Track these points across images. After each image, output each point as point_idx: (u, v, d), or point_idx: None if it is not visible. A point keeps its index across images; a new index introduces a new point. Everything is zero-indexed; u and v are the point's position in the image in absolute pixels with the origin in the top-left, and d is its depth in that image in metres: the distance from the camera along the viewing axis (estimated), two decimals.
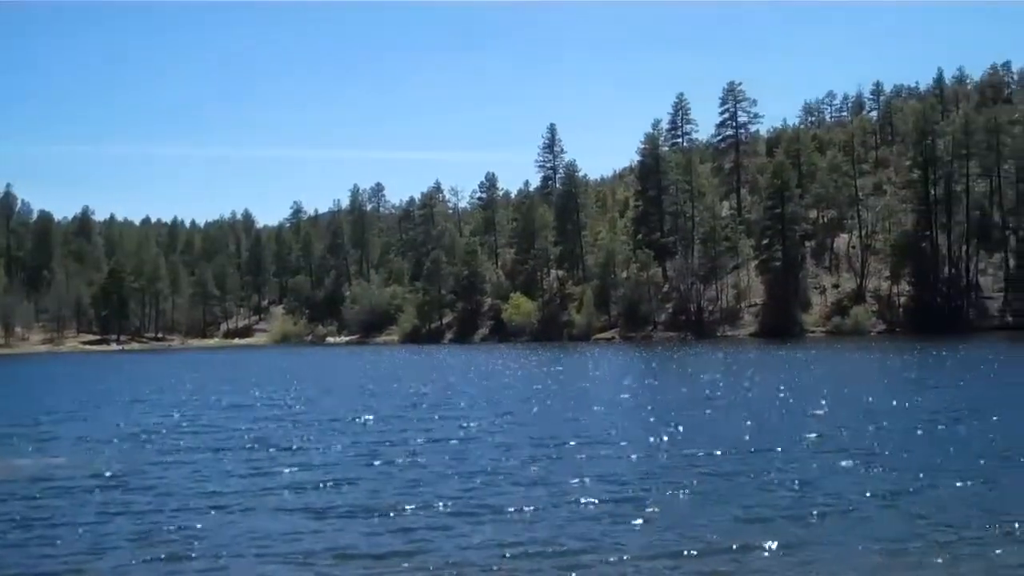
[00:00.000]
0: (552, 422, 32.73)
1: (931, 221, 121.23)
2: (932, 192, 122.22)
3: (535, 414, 35.82)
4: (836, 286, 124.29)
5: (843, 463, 22.57)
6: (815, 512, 17.44)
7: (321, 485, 21.36)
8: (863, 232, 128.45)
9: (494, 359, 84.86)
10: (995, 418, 30.11)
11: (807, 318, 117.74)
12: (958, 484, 19.71)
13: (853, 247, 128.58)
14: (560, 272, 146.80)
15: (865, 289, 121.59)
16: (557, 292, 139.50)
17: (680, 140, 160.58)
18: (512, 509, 18.21)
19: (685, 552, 14.97)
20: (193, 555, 15.48)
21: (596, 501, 18.68)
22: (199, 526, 17.43)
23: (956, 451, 24.22)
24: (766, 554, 14.85)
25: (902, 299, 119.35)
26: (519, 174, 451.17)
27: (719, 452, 24.48)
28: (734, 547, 15.19)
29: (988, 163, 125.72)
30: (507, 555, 15.03)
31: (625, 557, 14.77)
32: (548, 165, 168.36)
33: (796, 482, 20.43)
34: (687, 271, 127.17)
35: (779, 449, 25.03)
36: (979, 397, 37.34)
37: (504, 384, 53.09)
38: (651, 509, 17.91)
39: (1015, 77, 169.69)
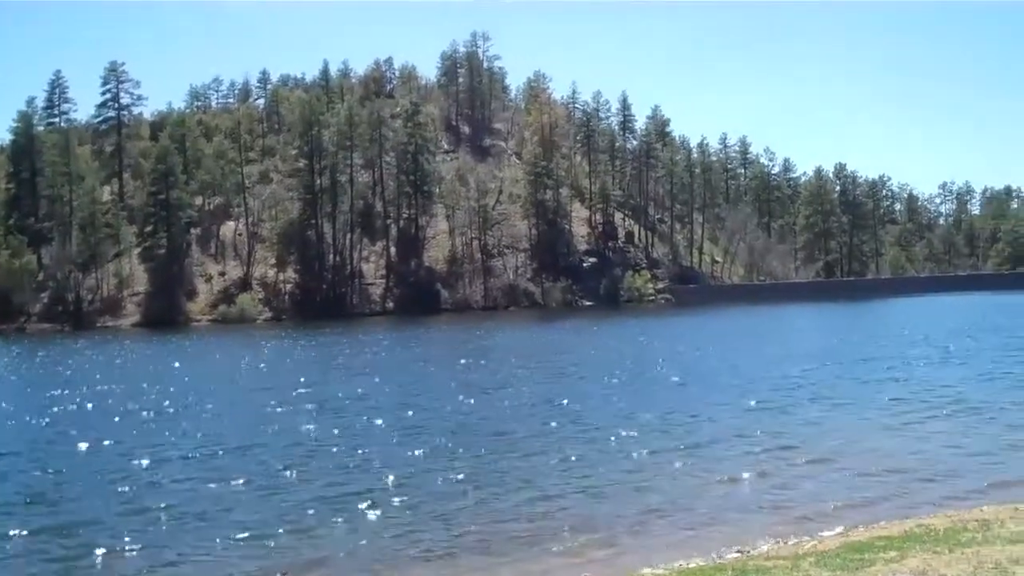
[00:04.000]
0: None
1: (316, 210, 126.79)
2: (318, 181, 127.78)
3: None
4: (223, 274, 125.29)
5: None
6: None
7: None
8: (250, 220, 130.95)
9: None
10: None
11: (193, 307, 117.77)
12: None
13: (240, 235, 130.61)
14: None
15: (252, 277, 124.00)
16: None
17: (57, 120, 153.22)
18: None
19: None
20: None
21: None
22: None
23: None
24: None
25: (288, 286, 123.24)
26: None
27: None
28: None
29: (371, 154, 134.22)
30: None
31: None
32: None
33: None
34: (64, 259, 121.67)
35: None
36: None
37: None
38: None
39: (396, 73, 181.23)
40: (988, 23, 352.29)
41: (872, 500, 16.50)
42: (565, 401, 29.96)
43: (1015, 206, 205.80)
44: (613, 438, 22.96)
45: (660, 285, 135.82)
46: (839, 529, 14.44)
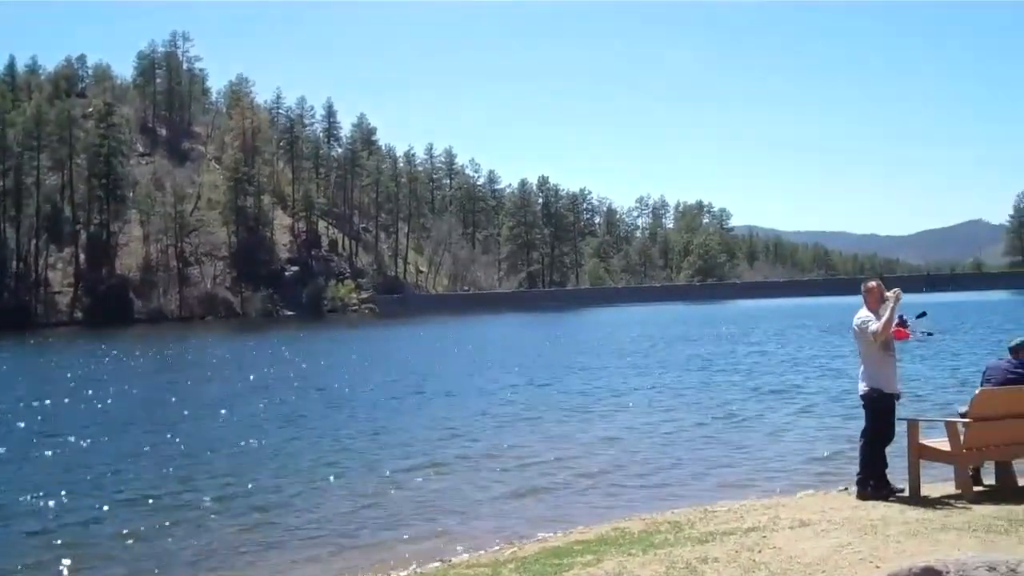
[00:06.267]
0: None
1: (0, 214, 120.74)
2: (1, 183, 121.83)
3: None
4: None
5: None
6: None
7: None
8: None
9: None
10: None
11: None
12: None
13: None
14: None
15: None
16: None
17: None
18: None
19: None
20: None
21: None
22: None
23: None
24: None
25: None
26: None
27: None
28: None
29: (61, 156, 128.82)
30: None
31: None
32: None
33: None
34: None
35: None
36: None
37: None
38: None
39: (89, 71, 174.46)
40: (684, 37, 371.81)
41: (576, 508, 16.91)
42: (274, 418, 29.37)
43: (706, 220, 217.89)
44: (332, 454, 22.71)
45: (364, 295, 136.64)
46: (540, 536, 14.76)
